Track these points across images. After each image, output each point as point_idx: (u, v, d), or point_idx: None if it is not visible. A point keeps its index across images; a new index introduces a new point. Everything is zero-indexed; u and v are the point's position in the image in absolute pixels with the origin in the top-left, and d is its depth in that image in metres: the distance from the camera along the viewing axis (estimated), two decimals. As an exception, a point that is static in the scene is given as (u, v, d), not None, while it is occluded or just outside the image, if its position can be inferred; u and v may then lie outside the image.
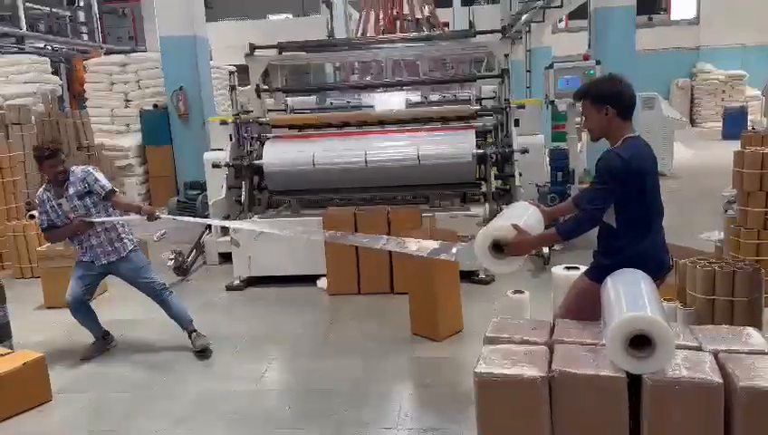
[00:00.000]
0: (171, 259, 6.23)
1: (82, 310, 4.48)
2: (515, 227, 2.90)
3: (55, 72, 11.95)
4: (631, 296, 2.48)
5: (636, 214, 2.80)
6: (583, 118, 2.95)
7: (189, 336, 4.50)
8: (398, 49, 7.72)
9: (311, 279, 5.75)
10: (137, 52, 13.68)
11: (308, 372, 4.14)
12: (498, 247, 2.91)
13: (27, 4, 15.50)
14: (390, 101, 7.35)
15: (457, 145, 6.01)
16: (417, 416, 3.47)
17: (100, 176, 4.40)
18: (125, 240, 4.45)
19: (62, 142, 8.85)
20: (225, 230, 6.41)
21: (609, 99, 2.81)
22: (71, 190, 4.32)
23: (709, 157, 12.42)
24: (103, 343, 4.61)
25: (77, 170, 4.38)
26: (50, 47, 14.77)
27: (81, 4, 18.89)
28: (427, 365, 4.12)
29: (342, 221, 5.33)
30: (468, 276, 5.46)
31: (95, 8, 18.56)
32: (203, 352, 4.41)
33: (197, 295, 5.86)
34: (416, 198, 6.53)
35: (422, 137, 6.24)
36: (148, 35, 17.01)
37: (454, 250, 3.44)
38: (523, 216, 3.06)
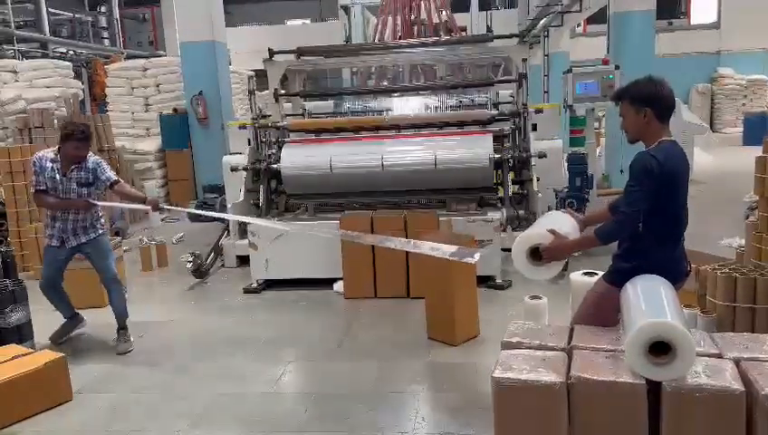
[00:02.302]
0: (190, 262, 6.29)
1: (54, 291, 4.66)
2: (552, 231, 2.90)
3: (77, 77, 12.13)
4: (651, 302, 2.46)
5: (663, 218, 2.77)
6: (621, 118, 2.93)
7: (117, 332, 4.68)
8: (415, 54, 7.73)
9: (327, 282, 5.77)
10: (157, 57, 13.85)
11: (324, 375, 4.15)
12: (535, 254, 2.92)
13: (50, 9, 15.76)
14: (407, 106, 7.37)
15: (474, 149, 6.00)
16: (433, 420, 3.46)
17: (107, 167, 4.60)
18: (96, 225, 4.62)
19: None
20: (243, 233, 6.46)
21: (648, 100, 2.78)
22: (74, 174, 4.46)
23: (729, 162, 12.27)
24: (72, 323, 4.80)
25: (90, 159, 4.54)
26: (72, 52, 15.00)
27: (103, 9, 19.19)
28: (443, 370, 4.11)
29: (359, 225, 5.34)
30: (485, 281, 5.45)
31: (116, 13, 18.84)
32: (120, 353, 4.59)
33: (215, 298, 5.91)
34: (432, 203, 6.53)
35: (439, 141, 6.24)
36: (168, 40, 17.26)
37: (477, 256, 3.52)
38: (559, 223, 3.06)
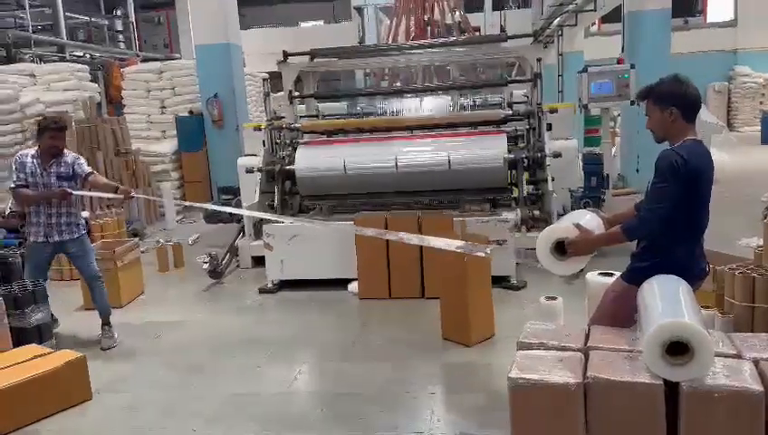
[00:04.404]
0: (206, 262, 6.34)
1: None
2: (577, 226, 2.91)
3: (93, 80, 12.25)
4: (669, 302, 2.45)
5: (684, 216, 2.74)
6: (646, 118, 2.91)
7: (101, 328, 4.80)
8: (428, 54, 7.74)
9: (342, 283, 5.78)
10: (172, 59, 13.96)
11: (339, 376, 4.16)
12: (560, 249, 2.93)
13: (67, 13, 15.94)
14: (421, 107, 7.37)
15: (488, 150, 5.99)
16: (448, 421, 3.46)
17: (83, 162, 4.74)
18: (80, 225, 4.78)
19: (101, 148, 9.14)
20: (258, 234, 6.50)
21: (673, 100, 2.77)
22: (54, 168, 4.58)
23: (747, 162, 12.12)
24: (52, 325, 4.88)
25: (69, 155, 4.69)
26: (89, 55, 15.15)
27: (119, 13, 19.39)
28: (458, 370, 4.11)
29: (374, 226, 5.34)
30: (500, 282, 5.43)
31: (132, 17, 19.02)
32: (105, 349, 4.73)
33: (231, 298, 5.95)
34: (446, 203, 6.53)
35: (453, 141, 6.24)
36: (183, 43, 17.38)
37: (488, 250, 3.54)
38: (584, 220, 3.08)
